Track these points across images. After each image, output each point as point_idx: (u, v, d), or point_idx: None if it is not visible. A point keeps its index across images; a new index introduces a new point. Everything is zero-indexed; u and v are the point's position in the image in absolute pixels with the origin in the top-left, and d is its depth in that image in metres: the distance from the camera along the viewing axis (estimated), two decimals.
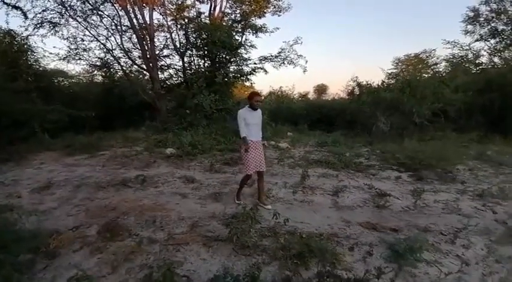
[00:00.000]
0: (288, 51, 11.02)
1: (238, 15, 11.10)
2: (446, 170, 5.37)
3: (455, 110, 9.10)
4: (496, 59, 13.08)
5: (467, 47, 13.03)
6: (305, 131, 11.52)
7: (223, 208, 3.62)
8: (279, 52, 10.98)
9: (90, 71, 11.83)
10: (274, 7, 11.42)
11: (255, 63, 10.96)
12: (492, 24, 13.76)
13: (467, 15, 14.23)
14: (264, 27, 10.56)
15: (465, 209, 3.64)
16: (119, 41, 10.66)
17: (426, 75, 12.50)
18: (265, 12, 11.32)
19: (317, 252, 2.46)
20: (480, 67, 12.06)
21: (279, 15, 11.79)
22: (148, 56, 10.29)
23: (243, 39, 10.55)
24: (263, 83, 44.20)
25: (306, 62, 11.33)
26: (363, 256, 2.55)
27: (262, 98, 3.78)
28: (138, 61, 11.10)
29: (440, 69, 14.83)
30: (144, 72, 11.22)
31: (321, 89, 28.65)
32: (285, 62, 11.13)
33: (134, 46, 11.02)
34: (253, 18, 10.94)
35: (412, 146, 6.74)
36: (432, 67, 15.73)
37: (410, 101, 7.90)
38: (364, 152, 7.41)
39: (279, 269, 2.34)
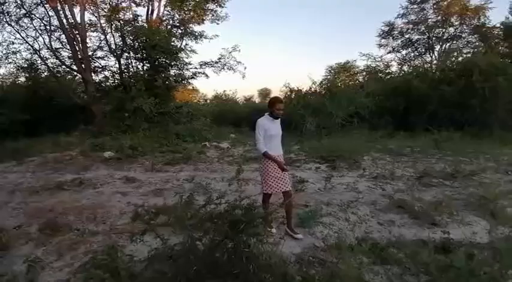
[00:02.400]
0: (227, 58, 11.66)
1: (177, 21, 11.34)
2: (355, 160, 6.57)
3: (369, 112, 10.87)
4: (405, 68, 15.76)
5: (379, 59, 15.50)
6: (246, 132, 12.28)
7: (163, 201, 3.98)
8: (219, 58, 11.55)
9: (16, 73, 10.92)
10: (213, 15, 11.98)
11: (195, 68, 11.33)
12: (406, 36, 16.59)
13: (382, 29, 16.85)
14: (203, 35, 11.01)
15: (361, 187, 4.67)
16: (47, 41, 10.14)
17: (350, 82, 14.45)
18: (203, 20, 11.79)
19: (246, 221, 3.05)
20: (389, 76, 14.46)
21: (217, 24, 12.39)
22: (80, 57, 9.83)
23: (183, 44, 10.85)
24: (210, 86, 44.43)
25: (245, 68, 12.15)
26: (278, 225, 3.24)
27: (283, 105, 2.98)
28: (68, 62, 10.52)
29: (361, 78, 17.28)
30: (75, 73, 10.64)
31: (264, 93, 30.13)
32: (225, 68, 11.75)
33: (64, 46, 10.41)
34: (192, 25, 11.31)
35: (333, 142, 7.96)
36: (354, 76, 18.15)
37: (330, 105, 9.25)
38: (295, 149, 8.42)
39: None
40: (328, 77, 19.60)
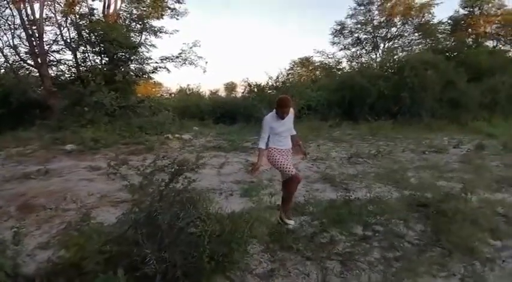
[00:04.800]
0: (188, 53, 12.02)
1: (135, 16, 11.43)
2: (305, 146, 7.55)
3: (320, 105, 12.08)
4: (353, 64, 17.34)
5: (332, 56, 16.89)
6: (210, 125, 12.85)
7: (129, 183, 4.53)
8: (180, 53, 11.87)
9: None
10: (172, 11, 12.21)
11: (156, 63, 11.56)
12: (355, 35, 18.14)
13: (334, 28, 18.24)
14: (162, 30, 11.26)
15: (300, 167, 5.59)
16: (10, 39, 10.17)
17: (303, 78, 15.61)
18: (162, 15, 11.99)
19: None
20: (340, 72, 15.89)
21: (177, 19, 12.65)
22: (36, 52, 9.69)
23: (142, 38, 11.02)
24: (176, 80, 43.47)
25: (206, 62, 12.60)
26: (226, 196, 4.01)
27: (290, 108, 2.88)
28: (25, 57, 10.35)
29: (318, 72, 18.63)
30: (32, 68, 10.43)
31: (230, 87, 30.22)
32: (186, 63, 12.11)
33: (23, 43, 10.48)
34: (151, 20, 11.48)
35: None
36: (312, 71, 19.46)
37: None
38: (253, 138, 9.23)
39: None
40: (291, 71, 20.80)
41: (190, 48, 12.08)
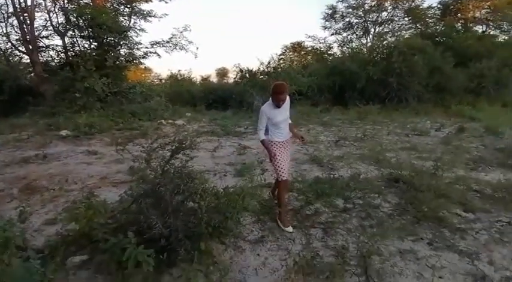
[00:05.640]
0: (179, 38, 11.95)
1: None
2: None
3: (311, 90, 12.28)
4: (344, 49, 17.43)
5: (323, 41, 16.92)
6: (202, 111, 12.96)
7: (126, 166, 4.75)
8: (170, 38, 11.80)
9: None
10: None
11: (146, 48, 11.48)
12: (347, 19, 18.13)
13: (326, 12, 18.16)
14: (151, 14, 11.12)
15: (291, 151, 5.88)
16: (4, 27, 10.16)
17: (295, 63, 15.68)
18: None
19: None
20: (331, 57, 16.00)
21: (166, 2, 12.44)
22: (28, 39, 9.57)
23: (132, 23, 10.88)
24: (166, 65, 42.66)
25: (197, 48, 12.57)
26: (221, 177, 4.28)
27: (286, 95, 2.77)
28: (17, 44, 10.29)
29: (309, 57, 18.67)
30: (24, 55, 10.35)
31: (222, 72, 29.91)
32: (177, 48, 12.05)
33: (15, 30, 10.48)
34: (139, 3, 11.28)
35: None
36: (304, 56, 19.50)
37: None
38: (245, 123, 9.46)
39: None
40: (283, 56, 20.77)
41: (181, 32, 12.02)
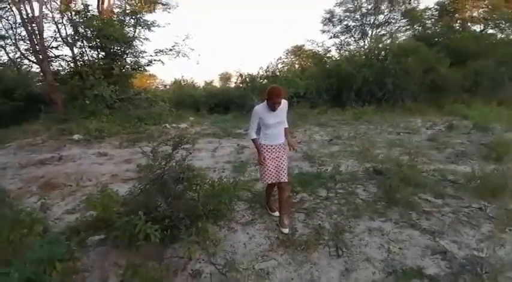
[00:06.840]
0: (181, 45, 12.49)
1: (129, 11, 11.82)
2: (292, 132, 8.26)
3: (309, 92, 12.71)
4: (342, 52, 17.84)
5: (321, 44, 17.37)
6: (205, 115, 13.48)
7: (134, 165, 5.23)
8: (173, 46, 12.35)
9: None
10: (163, 4, 12.59)
11: (151, 56, 12.06)
12: (344, 23, 18.59)
13: (324, 17, 18.64)
14: (155, 24, 11.72)
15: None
16: (12, 37, 10.84)
17: (295, 66, 16.15)
18: (155, 8, 12.38)
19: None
20: (329, 60, 16.41)
21: (169, 12, 13.04)
22: (37, 49, 10.22)
23: (136, 32, 11.48)
24: (171, 72, 43.69)
25: (199, 55, 13.19)
26: (219, 173, 4.73)
27: (282, 99, 2.75)
28: (26, 54, 10.98)
29: (309, 60, 19.11)
30: (34, 65, 11.03)
31: (225, 77, 30.48)
32: (179, 55, 12.59)
33: (24, 41, 11.08)
34: (143, 14, 11.88)
35: None
36: (305, 59, 19.92)
37: None
38: (244, 126, 9.91)
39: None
40: (283, 60, 21.25)
41: (183, 40, 12.56)
